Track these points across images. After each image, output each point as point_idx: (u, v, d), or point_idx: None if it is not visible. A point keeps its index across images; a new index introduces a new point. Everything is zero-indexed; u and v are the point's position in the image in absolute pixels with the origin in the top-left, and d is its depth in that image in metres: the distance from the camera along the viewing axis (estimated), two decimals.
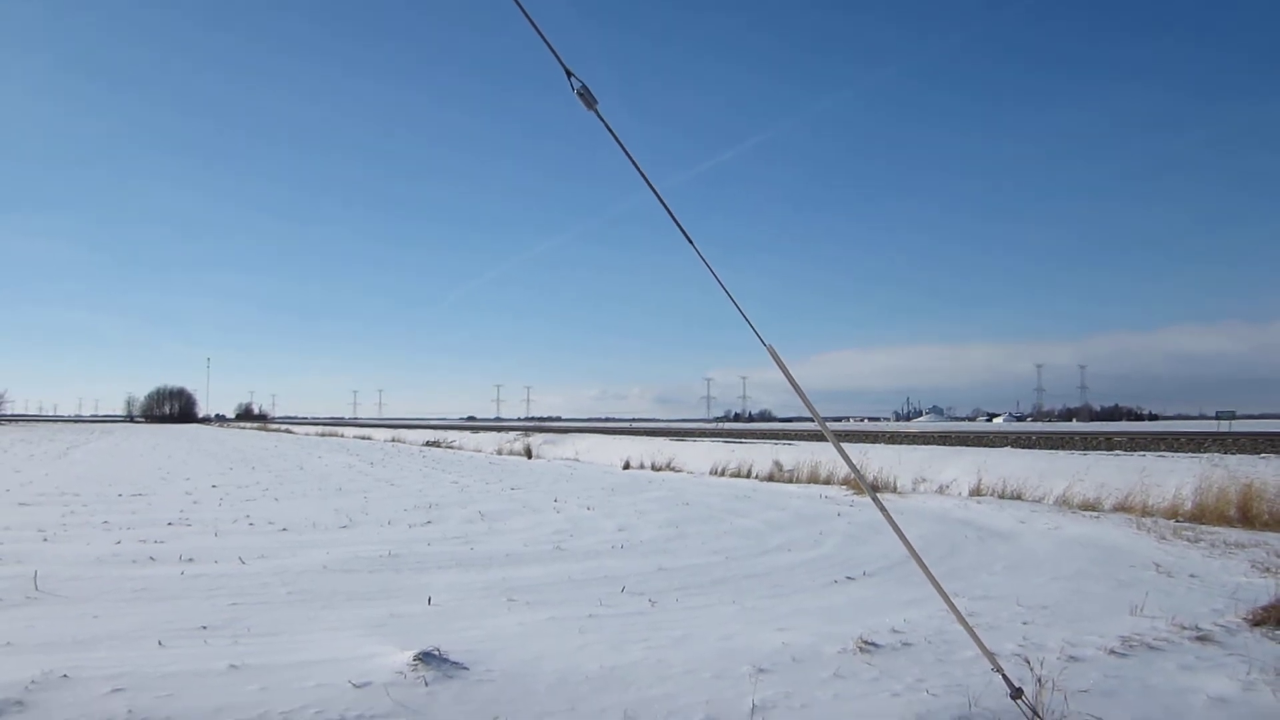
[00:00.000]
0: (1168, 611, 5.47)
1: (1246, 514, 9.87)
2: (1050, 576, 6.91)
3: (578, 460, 25.90)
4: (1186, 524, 9.94)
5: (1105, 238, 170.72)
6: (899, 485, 14.79)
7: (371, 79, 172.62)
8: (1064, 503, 11.98)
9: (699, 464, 20.43)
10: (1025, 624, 5.20)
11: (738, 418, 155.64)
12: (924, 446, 19.85)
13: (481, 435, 38.33)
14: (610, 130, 3.41)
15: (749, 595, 6.12)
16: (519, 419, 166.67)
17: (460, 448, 35.55)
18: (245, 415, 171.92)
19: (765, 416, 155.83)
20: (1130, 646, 4.64)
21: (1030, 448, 19.41)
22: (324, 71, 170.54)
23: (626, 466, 22.31)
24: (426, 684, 3.83)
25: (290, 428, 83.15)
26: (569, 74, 3.30)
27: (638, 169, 3.48)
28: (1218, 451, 16.21)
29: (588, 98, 3.33)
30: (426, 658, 4.14)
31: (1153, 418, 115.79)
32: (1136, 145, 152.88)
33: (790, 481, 16.74)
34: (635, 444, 25.54)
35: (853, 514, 11.25)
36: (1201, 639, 4.81)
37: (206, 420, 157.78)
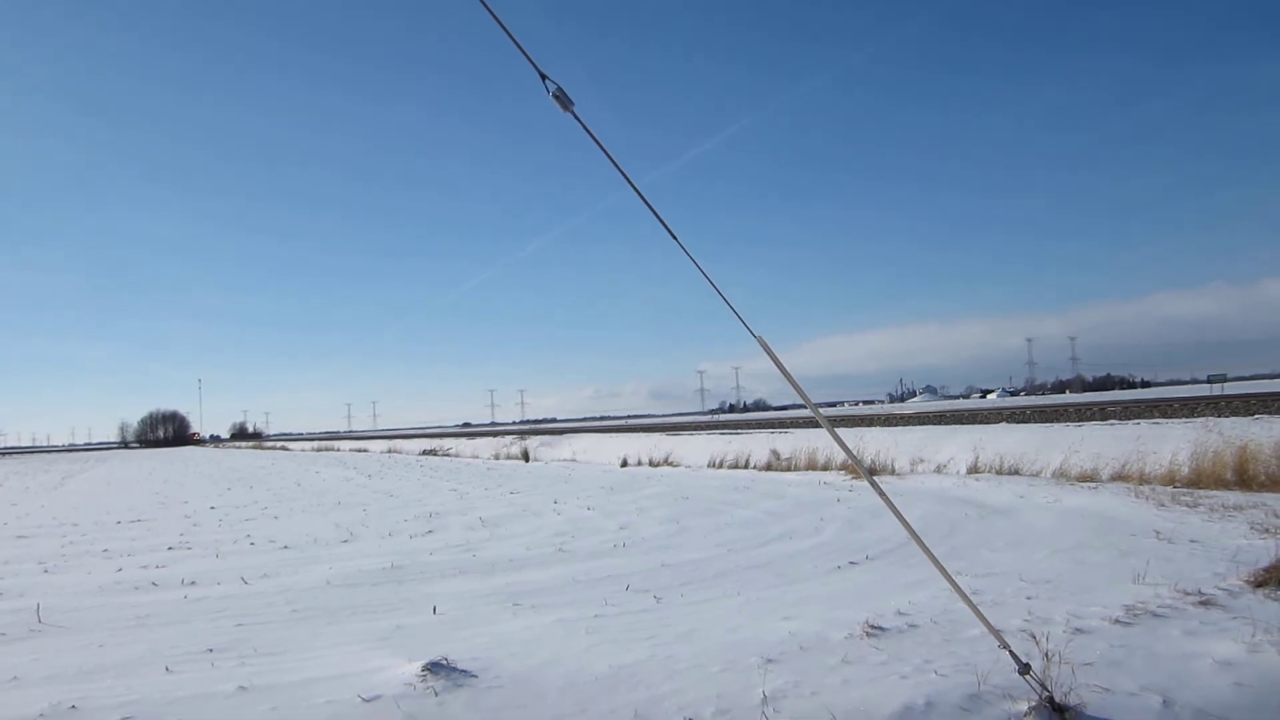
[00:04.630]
0: (1170, 578, 5.51)
1: (1243, 476, 9.95)
2: (1051, 550, 6.95)
3: (575, 461, 25.90)
4: (1184, 489, 10.01)
5: (1086, 207, 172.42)
6: (897, 467, 14.85)
7: (348, 92, 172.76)
8: (1061, 475, 12.04)
9: (696, 457, 20.46)
10: (1029, 599, 5.23)
11: (733, 409, 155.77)
12: (919, 427, 19.93)
13: (478, 441, 38.26)
14: (588, 130, 3.40)
15: (753, 586, 6.14)
16: (514, 422, 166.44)
17: (457, 455, 35.50)
18: (240, 435, 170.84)
19: (760, 406, 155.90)
20: (1134, 615, 4.67)
21: (1025, 422, 19.53)
22: (300, 86, 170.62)
23: (624, 464, 22.32)
24: (436, 694, 3.83)
25: (285, 445, 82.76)
26: (544, 77, 3.30)
27: (618, 168, 3.47)
28: (1211, 415, 16.32)
29: (563, 100, 3.32)
30: (435, 668, 4.13)
31: (1145, 385, 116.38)
32: (1111, 114, 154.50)
33: (788, 470, 16.78)
34: (632, 441, 25.55)
35: (852, 499, 11.29)
36: (1205, 604, 4.84)
37: (201, 442, 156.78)
